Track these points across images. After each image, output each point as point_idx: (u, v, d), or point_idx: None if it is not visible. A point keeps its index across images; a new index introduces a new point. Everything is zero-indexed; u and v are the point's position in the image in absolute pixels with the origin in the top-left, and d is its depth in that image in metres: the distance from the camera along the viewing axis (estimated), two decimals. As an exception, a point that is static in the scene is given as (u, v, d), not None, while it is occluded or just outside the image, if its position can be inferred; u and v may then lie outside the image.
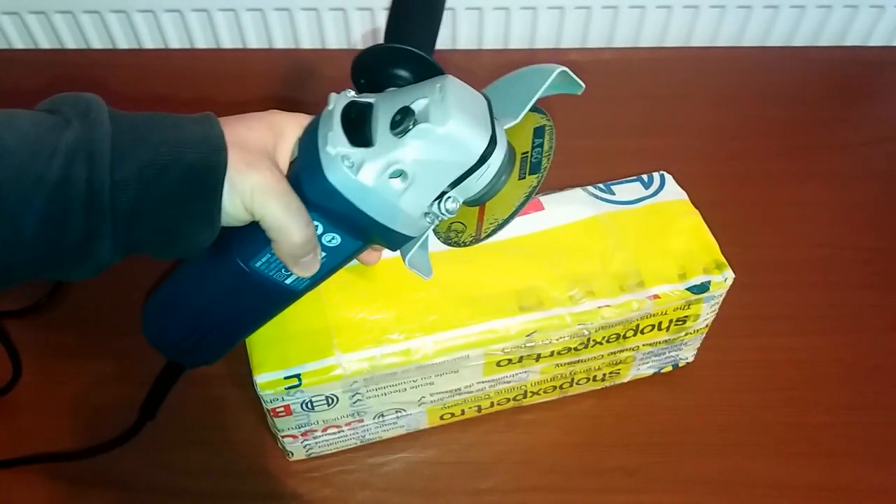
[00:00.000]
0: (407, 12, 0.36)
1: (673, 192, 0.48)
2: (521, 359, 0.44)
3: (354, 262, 0.38)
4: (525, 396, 0.48)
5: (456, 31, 0.71)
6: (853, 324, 0.53)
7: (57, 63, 0.71)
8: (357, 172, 0.31)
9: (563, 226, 0.45)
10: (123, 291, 0.55)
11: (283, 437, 0.44)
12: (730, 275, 0.44)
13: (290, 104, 0.68)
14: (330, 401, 0.42)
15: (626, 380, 0.49)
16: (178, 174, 0.30)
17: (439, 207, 0.33)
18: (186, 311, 0.38)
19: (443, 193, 0.33)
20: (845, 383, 0.51)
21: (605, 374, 0.48)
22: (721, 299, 0.46)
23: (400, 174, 0.31)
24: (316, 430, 0.44)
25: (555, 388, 0.48)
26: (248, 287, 0.35)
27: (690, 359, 0.50)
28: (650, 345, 0.47)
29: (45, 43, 0.73)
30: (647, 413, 0.49)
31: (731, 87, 0.69)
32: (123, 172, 0.29)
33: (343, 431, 0.45)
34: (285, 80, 0.70)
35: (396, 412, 0.45)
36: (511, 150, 0.35)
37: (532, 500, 0.46)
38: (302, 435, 0.44)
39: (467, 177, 0.33)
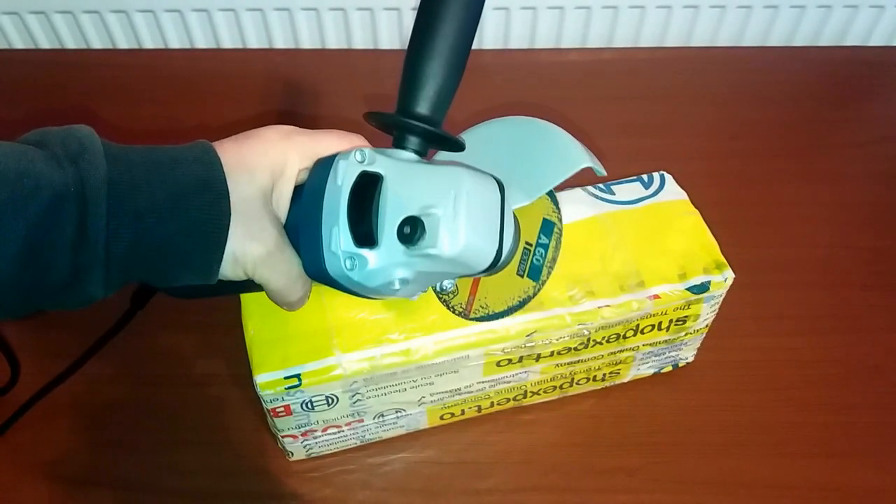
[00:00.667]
0: (425, 73, 0.34)
1: (673, 192, 0.48)
2: (521, 359, 0.43)
3: None
4: (525, 396, 0.47)
5: (456, 31, 0.72)
6: (853, 324, 0.53)
7: (57, 63, 0.71)
8: (358, 274, 0.31)
9: (564, 226, 0.45)
10: (123, 292, 0.55)
11: (283, 437, 0.44)
12: (730, 275, 0.44)
13: (289, 104, 0.68)
14: (330, 401, 0.42)
15: (626, 380, 0.49)
16: (179, 226, 0.28)
17: (435, 285, 0.36)
18: None
19: None
20: (845, 383, 0.51)
21: (605, 374, 0.48)
22: (721, 299, 0.46)
23: (403, 282, 0.32)
24: (316, 430, 0.44)
25: (555, 388, 0.48)
26: None
27: (690, 359, 0.50)
28: (650, 345, 0.46)
29: (45, 43, 0.73)
30: (647, 413, 0.49)
31: (731, 87, 0.69)
32: (119, 220, 0.27)
33: (343, 431, 0.45)
34: (285, 81, 0.70)
35: (396, 412, 0.45)
36: (516, 239, 0.35)
37: (532, 500, 0.46)
38: (302, 435, 0.44)
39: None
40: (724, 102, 0.68)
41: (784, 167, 0.63)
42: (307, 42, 0.73)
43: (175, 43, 0.73)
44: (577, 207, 0.46)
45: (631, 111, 0.67)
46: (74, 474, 0.47)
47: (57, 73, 0.70)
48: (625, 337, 0.45)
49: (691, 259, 0.44)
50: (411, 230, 0.31)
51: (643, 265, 0.44)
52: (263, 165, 0.31)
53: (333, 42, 0.73)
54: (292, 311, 0.38)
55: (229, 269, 0.31)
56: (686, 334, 0.47)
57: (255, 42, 0.73)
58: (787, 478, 0.46)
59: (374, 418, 0.45)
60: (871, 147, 0.65)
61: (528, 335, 0.42)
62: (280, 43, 0.73)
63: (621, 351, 0.46)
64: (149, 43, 0.73)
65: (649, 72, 0.71)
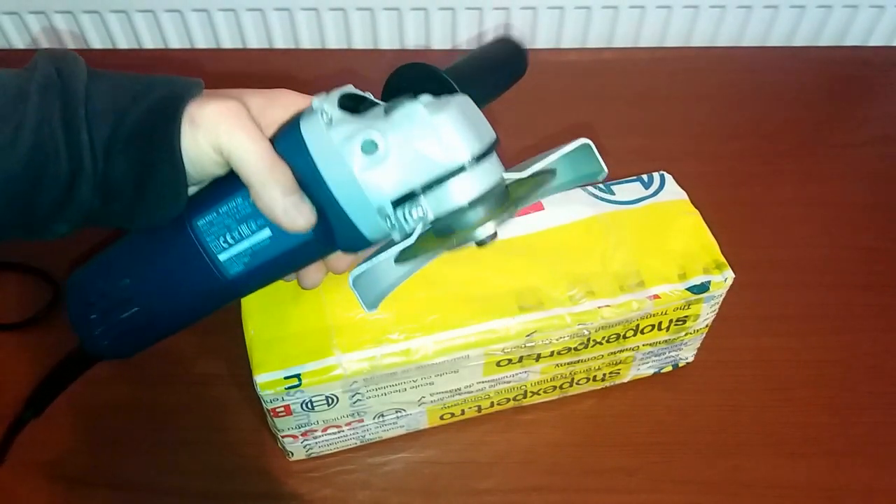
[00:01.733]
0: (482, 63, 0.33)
1: (673, 192, 0.48)
2: (521, 359, 0.43)
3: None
4: (525, 396, 0.47)
5: (455, 31, 0.71)
6: (853, 324, 0.53)
7: (57, 63, 0.71)
8: (329, 128, 0.29)
9: (563, 226, 0.45)
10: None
11: (283, 437, 0.44)
12: (730, 275, 0.44)
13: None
14: (330, 401, 0.42)
15: (626, 380, 0.49)
16: (147, 105, 0.29)
17: (403, 213, 0.29)
18: (116, 279, 0.35)
19: (412, 196, 0.29)
20: (845, 383, 0.51)
21: (605, 375, 0.48)
22: (721, 299, 0.46)
23: (372, 146, 0.28)
24: (316, 431, 0.44)
25: (555, 388, 0.48)
26: (184, 252, 0.32)
27: (690, 359, 0.50)
28: (650, 345, 0.46)
29: (45, 43, 0.73)
30: (647, 413, 0.49)
31: (731, 87, 0.69)
32: (97, 104, 0.28)
33: (343, 431, 0.45)
34: (285, 80, 0.70)
35: (396, 412, 0.45)
36: (505, 193, 0.32)
37: (532, 500, 0.46)
38: (302, 435, 0.44)
39: (443, 182, 0.29)
40: (724, 102, 0.68)
41: (784, 167, 0.63)
42: (307, 42, 0.73)
43: (175, 43, 0.73)
44: (576, 207, 0.46)
45: (631, 111, 0.67)
46: (74, 474, 0.47)
47: (57, 73, 0.70)
48: (625, 337, 0.45)
49: (691, 259, 0.44)
50: (399, 102, 0.30)
51: (643, 265, 0.44)
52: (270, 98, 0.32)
53: (333, 42, 0.73)
54: (285, 213, 0.29)
55: (190, 139, 0.28)
56: (686, 334, 0.47)
57: (255, 42, 0.73)
58: (787, 478, 0.46)
59: (374, 418, 0.45)
60: (871, 147, 0.65)
61: (528, 335, 0.42)
62: (280, 43, 0.73)
63: (621, 351, 0.46)
64: (149, 43, 0.73)
65: (649, 72, 0.71)
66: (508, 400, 0.47)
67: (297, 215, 0.29)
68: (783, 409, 0.49)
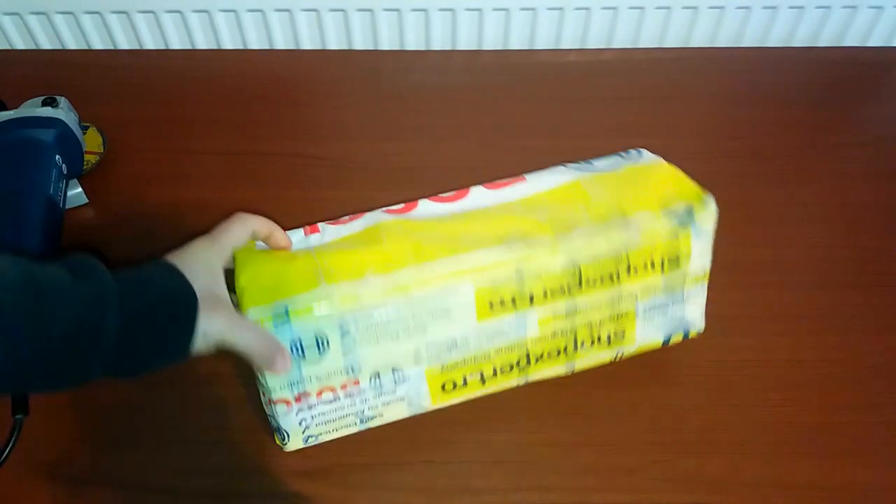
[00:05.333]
0: None
1: (651, 158, 0.50)
2: (514, 301, 0.43)
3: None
4: (529, 363, 0.46)
5: (456, 32, 0.72)
6: (853, 324, 0.53)
7: (58, 63, 0.71)
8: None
9: (546, 191, 0.47)
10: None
11: (275, 402, 0.43)
12: (712, 203, 0.45)
13: (290, 104, 0.68)
14: (321, 343, 0.41)
15: (634, 346, 0.48)
16: (162, 318, 0.37)
17: None
18: None
19: None
20: (845, 383, 0.51)
21: (609, 335, 0.47)
22: (711, 237, 0.46)
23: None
24: (310, 396, 0.43)
25: (559, 351, 0.46)
26: None
27: (700, 325, 0.49)
28: (649, 290, 0.46)
29: (46, 43, 0.73)
30: (646, 412, 0.49)
31: (730, 88, 0.69)
32: (125, 314, 0.36)
33: (339, 400, 0.43)
34: (286, 81, 0.70)
35: (393, 372, 0.44)
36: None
37: (532, 500, 0.46)
38: (296, 400, 0.43)
39: None
40: (723, 103, 0.68)
41: (784, 167, 0.63)
42: (307, 43, 0.73)
43: (176, 44, 0.73)
44: (557, 177, 0.48)
45: (630, 111, 0.67)
46: (74, 474, 0.47)
47: (58, 74, 0.70)
48: (618, 277, 0.44)
49: (672, 194, 0.46)
50: None
51: (625, 203, 0.45)
52: (204, 264, 0.41)
53: (334, 43, 0.73)
54: (283, 373, 0.41)
55: (201, 342, 0.38)
56: (685, 280, 0.46)
57: (255, 43, 0.73)
58: (787, 477, 0.47)
59: (370, 381, 0.43)
60: (871, 147, 0.65)
61: (516, 266, 0.42)
62: (280, 44, 0.73)
63: (620, 300, 0.46)
64: (150, 43, 0.73)
65: (649, 72, 0.71)
66: (511, 367, 0.46)
67: (282, 368, 0.41)
68: (783, 409, 0.49)
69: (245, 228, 0.43)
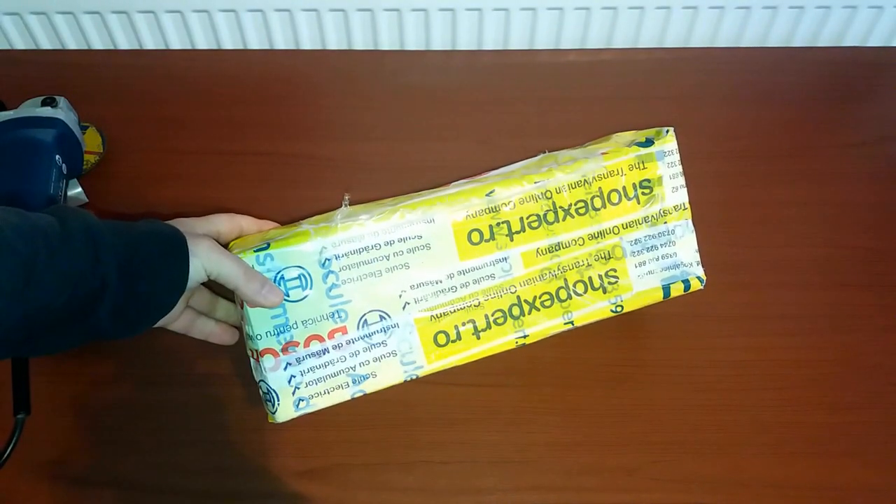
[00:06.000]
0: None
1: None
2: (492, 233, 0.44)
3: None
4: (522, 312, 0.45)
5: (456, 33, 0.72)
6: (853, 324, 0.53)
7: (58, 64, 0.71)
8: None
9: (513, 167, 0.49)
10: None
11: (262, 352, 0.42)
12: (671, 131, 0.47)
13: (290, 105, 0.68)
14: (304, 280, 0.42)
15: (631, 293, 0.47)
16: (159, 239, 0.39)
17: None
18: None
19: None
20: (845, 383, 0.51)
21: (602, 279, 0.47)
22: (680, 167, 0.47)
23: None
24: (298, 345, 0.42)
25: (551, 297, 0.46)
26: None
27: (699, 273, 0.49)
28: (631, 226, 0.47)
29: (46, 44, 0.73)
30: (646, 412, 0.49)
31: (730, 88, 0.69)
32: (113, 241, 0.38)
33: (328, 353, 0.43)
34: (286, 81, 0.70)
35: (381, 318, 0.43)
36: None
37: (531, 500, 0.46)
38: (283, 351, 0.42)
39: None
40: (723, 103, 0.68)
41: (784, 167, 0.63)
42: (307, 43, 0.73)
43: (176, 44, 0.73)
44: (524, 161, 0.50)
45: (630, 112, 0.67)
46: (75, 474, 0.47)
47: (58, 74, 0.70)
48: (595, 208, 0.46)
49: (632, 136, 0.49)
50: None
51: (590, 148, 0.48)
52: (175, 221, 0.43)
53: (334, 43, 0.73)
54: (262, 295, 0.41)
55: (193, 272, 0.39)
56: (665, 214, 0.47)
57: (255, 43, 0.73)
58: (787, 477, 0.47)
59: (357, 327, 0.43)
60: (871, 147, 0.65)
61: (487, 193, 0.44)
62: (280, 44, 0.73)
63: (602, 235, 0.46)
64: (150, 44, 0.73)
65: (649, 72, 0.71)
66: (504, 317, 0.45)
67: (270, 295, 0.41)
68: (783, 408, 0.49)
69: (209, 224, 0.44)
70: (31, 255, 0.33)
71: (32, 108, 0.57)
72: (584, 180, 0.45)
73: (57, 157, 0.56)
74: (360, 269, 0.43)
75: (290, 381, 0.43)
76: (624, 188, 0.46)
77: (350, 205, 0.45)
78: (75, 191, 0.59)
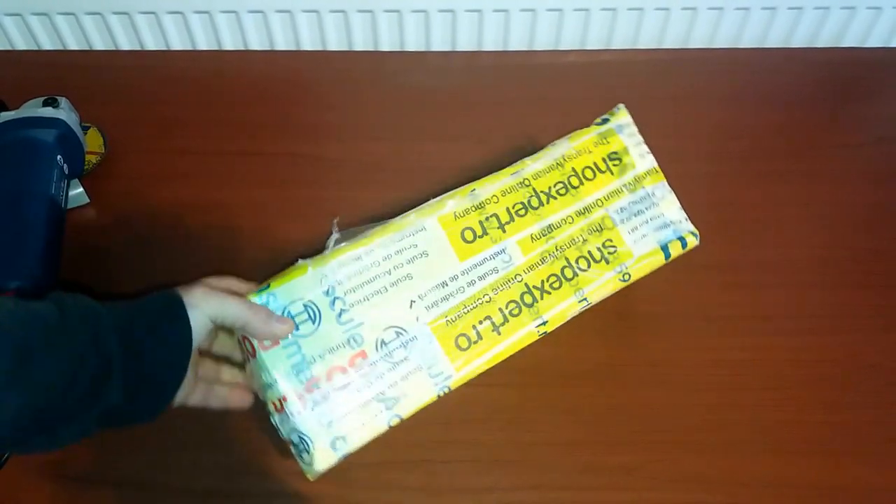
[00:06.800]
0: None
1: None
2: (483, 229, 0.45)
3: None
4: (534, 299, 0.45)
5: (455, 33, 0.72)
6: (853, 324, 0.54)
7: (59, 64, 0.72)
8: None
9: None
10: (124, 292, 0.55)
11: (285, 399, 0.40)
12: (621, 106, 0.51)
13: (290, 105, 0.68)
14: (312, 313, 0.41)
15: (633, 260, 0.48)
16: (153, 307, 0.39)
17: None
18: None
19: None
20: (845, 383, 0.51)
21: (601, 250, 0.47)
22: (637, 133, 0.51)
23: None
24: (320, 380, 0.40)
25: (559, 278, 0.46)
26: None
27: (691, 228, 0.50)
28: (612, 196, 0.48)
29: (47, 44, 0.73)
30: (646, 412, 0.49)
31: (729, 89, 0.70)
32: (115, 321, 0.37)
33: (353, 382, 0.41)
34: (286, 82, 0.70)
35: (397, 335, 0.42)
36: None
37: (531, 499, 0.46)
38: (306, 391, 0.40)
39: None
40: (722, 103, 0.68)
41: (783, 168, 0.63)
42: (308, 44, 0.73)
43: (177, 44, 0.73)
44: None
45: (630, 112, 0.67)
46: (76, 474, 0.47)
47: (59, 74, 0.70)
48: (573, 186, 0.48)
49: (583, 131, 0.51)
50: None
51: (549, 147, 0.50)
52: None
53: (334, 44, 0.73)
54: (273, 327, 0.41)
55: (198, 326, 0.39)
56: (640, 179, 0.50)
57: (256, 44, 0.73)
58: (786, 477, 0.47)
59: (376, 349, 0.42)
60: (870, 148, 0.65)
61: (470, 191, 0.46)
62: (281, 45, 0.73)
63: (588, 210, 0.48)
64: (151, 44, 0.73)
65: (648, 73, 0.71)
66: (519, 308, 0.45)
67: (280, 324, 0.41)
68: (782, 408, 0.49)
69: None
70: (24, 338, 0.33)
71: (34, 109, 0.57)
72: (557, 163, 0.48)
73: (58, 157, 0.56)
74: (364, 289, 0.42)
75: (321, 422, 0.40)
76: (595, 163, 0.49)
77: (339, 230, 0.45)
78: (76, 191, 0.59)
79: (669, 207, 0.50)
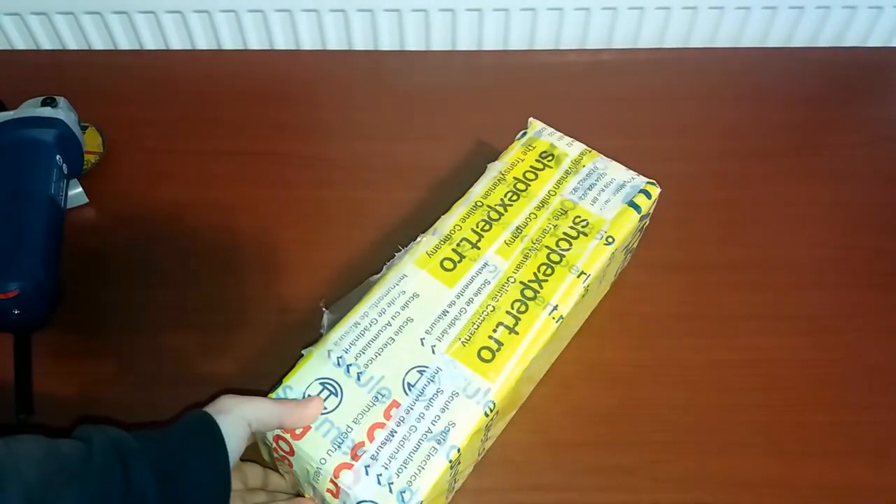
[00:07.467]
0: None
1: None
2: (459, 255, 0.46)
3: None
4: (533, 291, 0.45)
5: (456, 33, 0.72)
6: (853, 324, 0.53)
7: (58, 64, 0.71)
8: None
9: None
10: (124, 292, 0.55)
11: (336, 474, 0.38)
12: (531, 119, 0.54)
13: (290, 105, 0.68)
14: (331, 387, 0.41)
15: (607, 223, 0.48)
16: (185, 429, 0.37)
17: None
18: None
19: None
20: (845, 383, 0.51)
21: (574, 227, 0.48)
22: (555, 132, 0.54)
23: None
24: (363, 444, 0.39)
25: (547, 265, 0.46)
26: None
27: (644, 179, 0.51)
28: (560, 183, 0.50)
29: (46, 44, 0.73)
30: (646, 412, 0.49)
31: (730, 88, 0.69)
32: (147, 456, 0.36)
33: (395, 433, 0.40)
34: (286, 81, 0.70)
35: (421, 373, 0.42)
36: None
37: (532, 499, 0.46)
38: (353, 458, 0.39)
39: None
40: (723, 103, 0.68)
41: (784, 167, 0.63)
42: (308, 43, 0.73)
43: (176, 44, 0.73)
44: None
45: (630, 112, 0.67)
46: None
47: (58, 74, 0.70)
48: (519, 189, 0.50)
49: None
50: None
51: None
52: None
53: (334, 43, 0.73)
54: (318, 410, 0.40)
55: (225, 425, 0.37)
56: (577, 161, 0.52)
57: (255, 43, 0.73)
58: (787, 477, 0.47)
59: (406, 393, 0.41)
60: (871, 147, 0.65)
61: (432, 233, 0.48)
62: (281, 44, 0.73)
63: (544, 203, 0.49)
64: (150, 44, 0.73)
65: (648, 73, 0.71)
66: (524, 304, 0.45)
67: (309, 406, 0.40)
68: (783, 408, 0.49)
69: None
70: (37, 480, 0.31)
71: (33, 109, 0.57)
72: (499, 179, 0.51)
73: (57, 157, 0.56)
74: (372, 347, 0.42)
75: (380, 482, 0.38)
76: (532, 166, 0.51)
77: (326, 306, 0.47)
78: (75, 191, 0.59)
79: (617, 171, 0.52)
